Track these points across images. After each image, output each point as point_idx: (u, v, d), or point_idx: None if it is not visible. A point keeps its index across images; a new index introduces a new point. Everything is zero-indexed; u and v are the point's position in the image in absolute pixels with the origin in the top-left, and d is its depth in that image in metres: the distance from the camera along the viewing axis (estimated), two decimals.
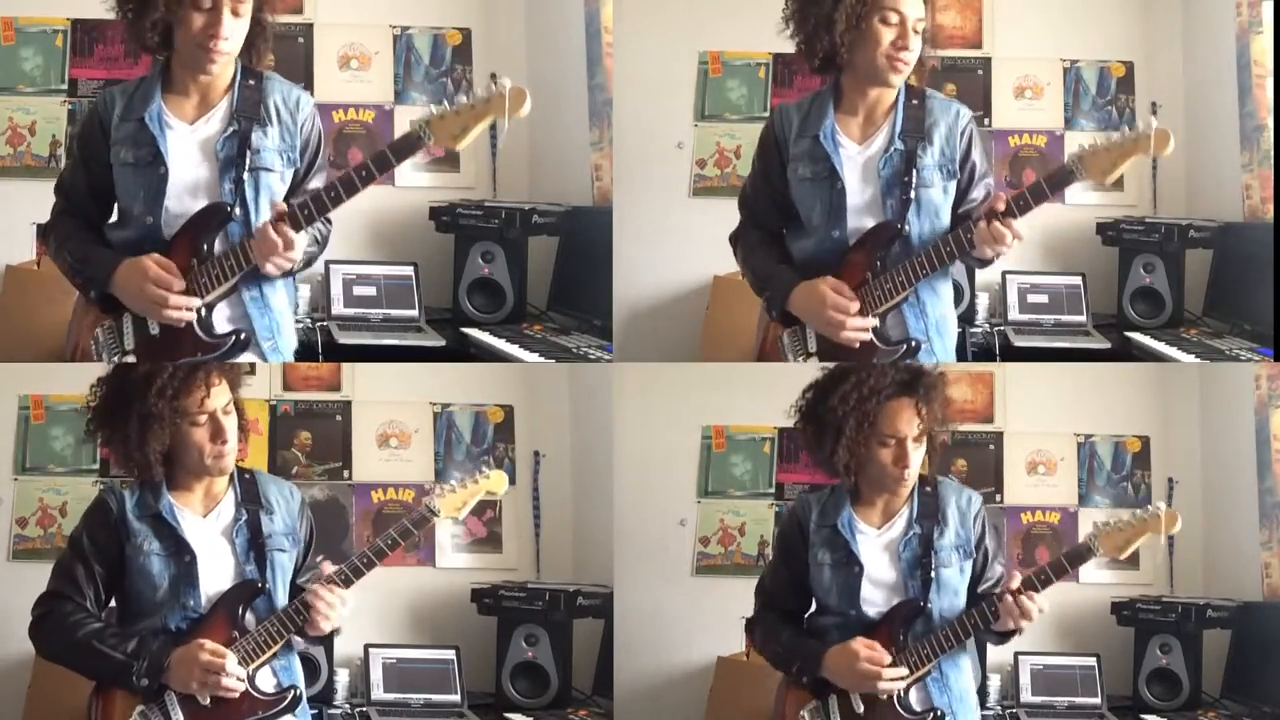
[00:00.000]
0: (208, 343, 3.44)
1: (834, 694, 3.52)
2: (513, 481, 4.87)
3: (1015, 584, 3.47)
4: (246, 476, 3.48)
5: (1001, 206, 3.45)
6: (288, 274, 3.49)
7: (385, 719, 4.59)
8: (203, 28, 3.31)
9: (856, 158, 3.58)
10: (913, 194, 3.54)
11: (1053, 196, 3.48)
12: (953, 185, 3.59)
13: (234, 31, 3.33)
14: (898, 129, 3.56)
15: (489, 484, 3.54)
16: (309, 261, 3.54)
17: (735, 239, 3.83)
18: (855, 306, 3.54)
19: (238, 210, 3.42)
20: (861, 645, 3.48)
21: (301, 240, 3.38)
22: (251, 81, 3.42)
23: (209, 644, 3.34)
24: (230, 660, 3.33)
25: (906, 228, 3.54)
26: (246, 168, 3.40)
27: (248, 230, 3.42)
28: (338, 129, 4.94)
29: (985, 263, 3.60)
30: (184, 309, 3.40)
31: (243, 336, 3.47)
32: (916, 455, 3.49)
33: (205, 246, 3.39)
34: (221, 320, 3.47)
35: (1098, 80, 5.20)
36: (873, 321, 3.55)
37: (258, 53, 3.42)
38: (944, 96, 3.67)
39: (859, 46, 3.51)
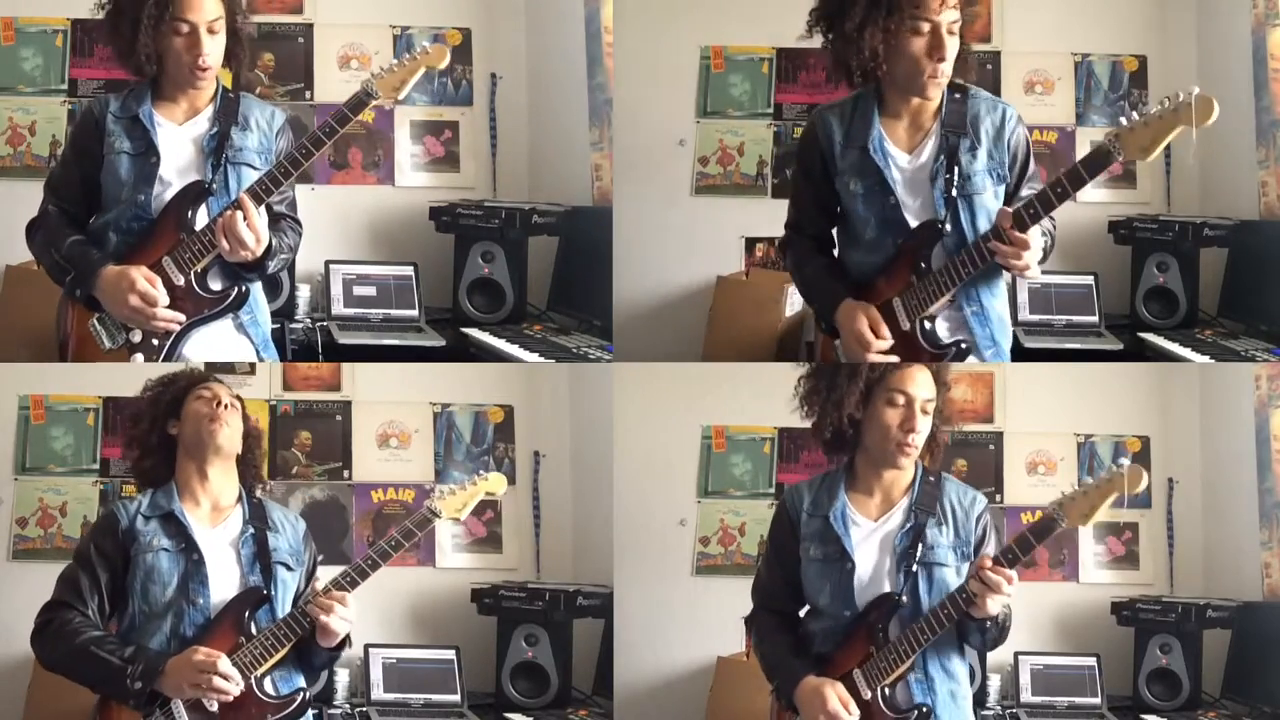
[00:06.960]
0: (208, 298, 3.61)
1: None
2: (513, 482, 4.88)
3: (988, 564, 3.38)
4: (254, 501, 3.52)
5: (1008, 223, 3.37)
6: (249, 267, 3.58)
7: (385, 719, 4.60)
8: (186, 49, 3.57)
9: (907, 168, 3.49)
10: (954, 193, 3.44)
11: (1088, 180, 3.31)
12: (1002, 189, 3.50)
13: (214, 48, 3.59)
14: (944, 123, 3.46)
15: (488, 485, 3.61)
16: (276, 258, 3.64)
17: (785, 245, 3.74)
18: (884, 345, 3.48)
19: (218, 190, 3.61)
20: (832, 692, 3.41)
21: (261, 223, 3.53)
22: (232, 95, 3.68)
23: (202, 648, 3.36)
24: (223, 662, 3.34)
25: (948, 228, 3.45)
26: (229, 160, 3.61)
27: None
28: None
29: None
30: (167, 322, 3.58)
31: (243, 289, 3.62)
32: None
33: (189, 215, 3.58)
34: (215, 280, 3.63)
35: (1110, 74, 5.13)
36: (889, 343, 3.49)
37: (238, 61, 3.68)
38: (989, 95, 3.53)
39: (893, 59, 3.40)
